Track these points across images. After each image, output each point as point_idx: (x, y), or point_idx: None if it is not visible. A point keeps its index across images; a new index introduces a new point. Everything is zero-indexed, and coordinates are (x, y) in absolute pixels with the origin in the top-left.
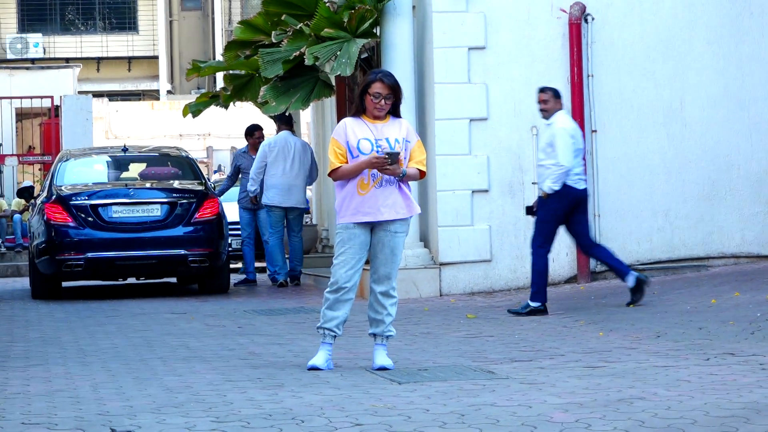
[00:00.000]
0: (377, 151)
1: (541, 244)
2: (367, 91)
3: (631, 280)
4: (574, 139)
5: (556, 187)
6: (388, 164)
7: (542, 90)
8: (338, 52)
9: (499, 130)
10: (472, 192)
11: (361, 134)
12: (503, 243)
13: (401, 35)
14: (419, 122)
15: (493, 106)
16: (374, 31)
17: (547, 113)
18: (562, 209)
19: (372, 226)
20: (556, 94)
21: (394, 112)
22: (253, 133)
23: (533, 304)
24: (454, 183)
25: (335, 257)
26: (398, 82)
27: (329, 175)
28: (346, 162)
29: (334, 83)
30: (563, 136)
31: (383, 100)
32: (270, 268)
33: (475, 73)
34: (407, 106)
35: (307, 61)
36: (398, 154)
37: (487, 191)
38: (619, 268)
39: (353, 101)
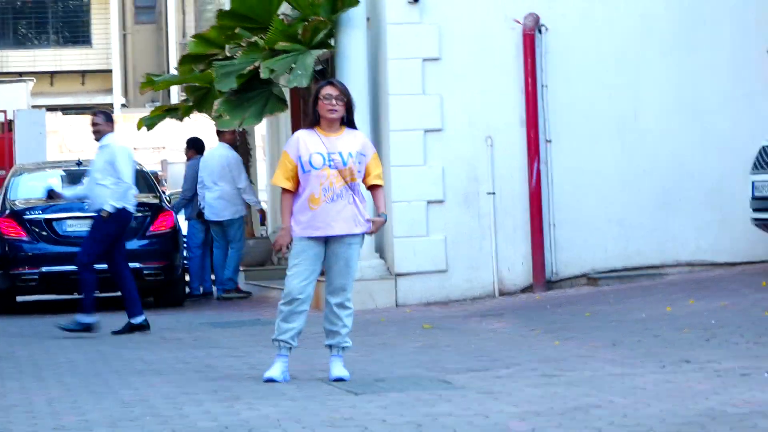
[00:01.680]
0: (329, 165)
1: (91, 262)
2: (318, 96)
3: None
4: (131, 159)
5: (119, 205)
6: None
7: (95, 114)
8: (293, 65)
9: (454, 140)
10: (428, 203)
11: (313, 148)
12: (458, 253)
13: (355, 46)
14: (374, 133)
15: (448, 117)
16: (329, 42)
17: (99, 135)
18: (117, 230)
19: (326, 239)
20: (107, 117)
21: (349, 122)
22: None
23: (86, 321)
24: (409, 194)
25: (289, 269)
26: (347, 88)
27: (273, 182)
28: (294, 178)
29: (288, 97)
30: (124, 155)
31: (334, 101)
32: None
33: (430, 84)
34: (362, 117)
35: (263, 75)
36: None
37: (442, 202)
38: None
39: (306, 114)
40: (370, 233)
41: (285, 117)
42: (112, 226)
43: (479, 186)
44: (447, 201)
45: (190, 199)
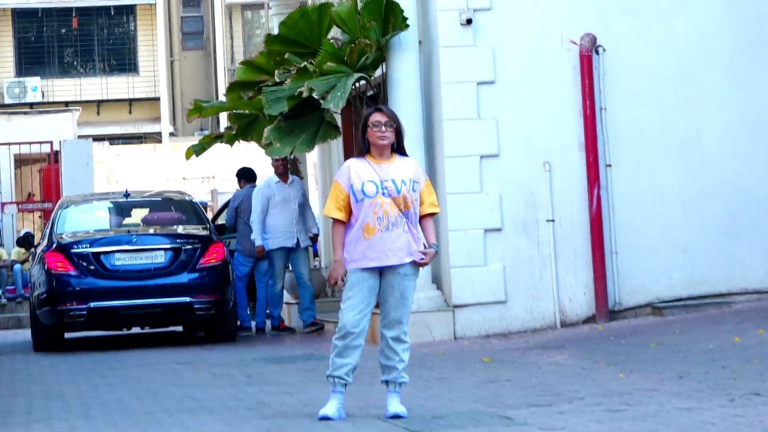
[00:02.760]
0: (383, 193)
1: None
2: (367, 124)
3: None
4: None
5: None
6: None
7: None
8: (335, 86)
9: (511, 166)
10: (485, 231)
11: (365, 176)
12: (518, 283)
13: (407, 71)
14: (428, 160)
15: (504, 142)
16: (378, 66)
17: None
18: None
19: (381, 270)
20: None
21: (399, 149)
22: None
23: None
24: (465, 222)
25: (343, 302)
26: (395, 114)
27: (325, 213)
28: (346, 208)
29: (340, 123)
30: None
31: (384, 127)
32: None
33: (485, 108)
34: (415, 143)
35: (305, 94)
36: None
37: (500, 230)
38: None
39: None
40: (421, 264)
41: (337, 144)
42: None
43: (537, 213)
44: (505, 229)
45: (228, 230)
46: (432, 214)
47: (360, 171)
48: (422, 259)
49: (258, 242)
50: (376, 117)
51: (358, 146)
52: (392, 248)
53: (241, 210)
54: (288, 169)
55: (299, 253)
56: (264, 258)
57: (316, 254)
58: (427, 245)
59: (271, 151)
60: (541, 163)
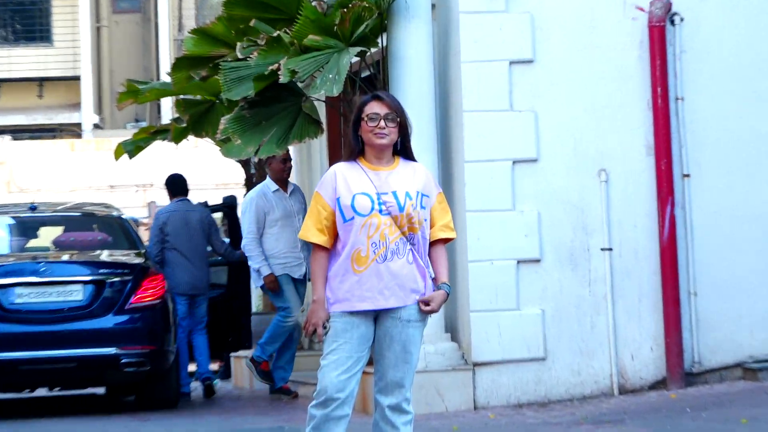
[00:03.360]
0: (380, 210)
1: None
2: (361, 116)
3: None
4: None
5: None
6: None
7: None
8: (324, 66)
9: (554, 175)
10: (518, 262)
11: (357, 187)
12: (562, 334)
13: (416, 44)
14: (442, 166)
15: (546, 142)
16: (376, 37)
17: None
18: None
19: (376, 314)
20: None
21: (404, 151)
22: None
23: None
24: (492, 250)
25: (323, 356)
26: (400, 103)
27: (301, 236)
28: (330, 230)
29: (324, 117)
30: None
31: (383, 121)
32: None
33: (520, 96)
34: (425, 143)
35: (283, 78)
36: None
37: (538, 261)
38: None
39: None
40: (428, 311)
41: (319, 144)
42: None
43: (589, 238)
44: (545, 260)
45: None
46: (446, 240)
47: (350, 180)
48: (428, 306)
49: (266, 270)
50: (374, 107)
51: (349, 146)
52: (391, 285)
53: (169, 233)
54: (288, 172)
55: (302, 290)
56: (277, 290)
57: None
58: (434, 284)
59: (228, 149)
60: (595, 172)
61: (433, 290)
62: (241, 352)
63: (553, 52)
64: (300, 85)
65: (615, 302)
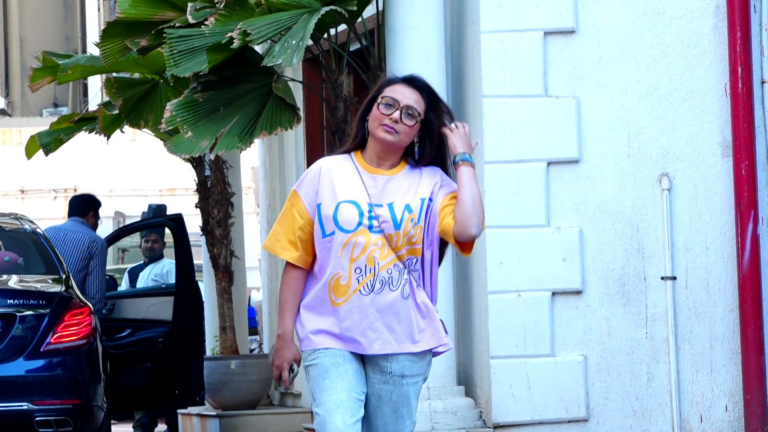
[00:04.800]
0: (369, 226)
1: None
2: (378, 96)
3: None
4: None
5: None
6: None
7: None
8: (290, 27)
9: (601, 181)
10: (552, 294)
11: (345, 193)
12: (611, 387)
13: (422, 9)
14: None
15: (591, 138)
16: (368, 1)
17: None
18: None
19: (362, 358)
20: None
21: (422, 157)
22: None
23: None
24: (518, 279)
25: (316, 403)
26: (441, 99)
27: (266, 247)
28: (305, 243)
29: (301, 103)
30: None
31: (398, 113)
32: None
33: (557, 78)
34: None
35: (236, 42)
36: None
37: (579, 292)
38: None
39: (337, 134)
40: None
41: (294, 136)
42: None
43: (646, 264)
44: (588, 291)
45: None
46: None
47: (338, 182)
48: (446, 347)
49: None
50: (396, 91)
51: (353, 131)
52: (377, 326)
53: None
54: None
55: None
56: None
57: (254, 328)
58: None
59: (176, 144)
60: (655, 177)
61: (444, 332)
62: (191, 409)
63: (602, 19)
64: (260, 52)
65: (679, 348)
